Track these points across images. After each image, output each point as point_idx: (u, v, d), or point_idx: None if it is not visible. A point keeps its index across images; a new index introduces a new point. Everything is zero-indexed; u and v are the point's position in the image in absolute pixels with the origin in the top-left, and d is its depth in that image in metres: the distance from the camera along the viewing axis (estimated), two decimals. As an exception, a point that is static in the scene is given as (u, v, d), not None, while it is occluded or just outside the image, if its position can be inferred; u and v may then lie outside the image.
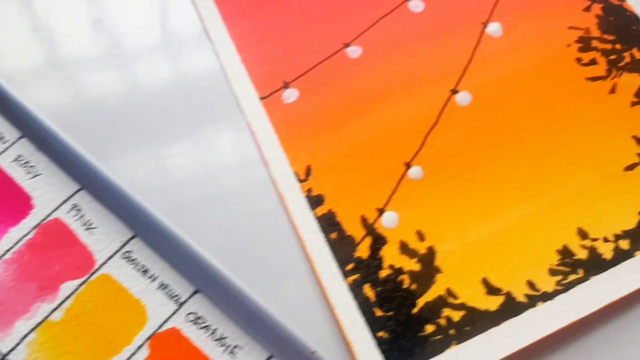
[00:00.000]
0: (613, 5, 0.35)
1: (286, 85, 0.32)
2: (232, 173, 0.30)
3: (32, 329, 0.26)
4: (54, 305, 0.27)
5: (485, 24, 0.34)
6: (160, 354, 0.26)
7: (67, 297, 0.27)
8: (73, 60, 0.33)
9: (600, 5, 0.35)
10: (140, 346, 0.26)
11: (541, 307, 0.27)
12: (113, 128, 0.31)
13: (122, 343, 0.26)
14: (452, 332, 0.27)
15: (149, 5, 0.34)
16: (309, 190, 0.30)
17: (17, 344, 0.26)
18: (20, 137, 0.30)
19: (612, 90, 0.32)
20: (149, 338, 0.26)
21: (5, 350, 0.26)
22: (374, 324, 0.27)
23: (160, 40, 0.33)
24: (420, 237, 0.29)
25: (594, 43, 0.33)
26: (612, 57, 0.33)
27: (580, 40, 0.34)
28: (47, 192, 0.29)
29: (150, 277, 0.27)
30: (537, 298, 0.28)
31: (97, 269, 0.27)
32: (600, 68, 0.33)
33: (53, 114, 0.29)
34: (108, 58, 0.33)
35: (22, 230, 0.28)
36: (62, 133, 0.29)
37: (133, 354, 0.26)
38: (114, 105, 0.31)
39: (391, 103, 0.32)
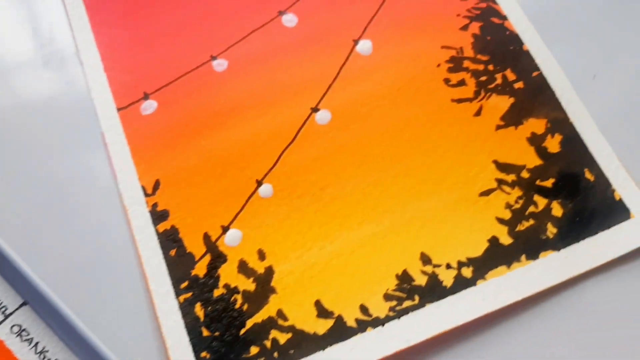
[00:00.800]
0: (493, 24, 0.34)
1: (146, 97, 0.32)
2: (79, 186, 0.30)
3: None
4: None
5: (356, 41, 0.33)
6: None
7: None
8: None
9: (479, 24, 0.34)
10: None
11: (370, 332, 0.27)
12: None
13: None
14: (275, 354, 0.27)
15: (21, 13, 0.34)
16: (154, 205, 0.29)
17: None
18: None
19: (478, 113, 0.32)
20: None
21: None
22: (198, 344, 0.27)
23: (30, 50, 0.33)
24: (261, 256, 0.29)
25: (466, 63, 0.33)
26: (483, 78, 0.33)
27: (451, 60, 0.33)
28: None
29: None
30: (367, 323, 0.27)
31: None
32: (469, 89, 0.32)
33: None
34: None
35: None
36: None
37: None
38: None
39: (251, 118, 0.31)
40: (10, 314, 0.27)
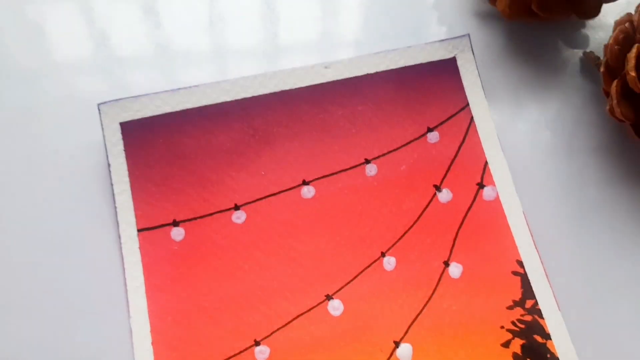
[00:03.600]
0: (535, 344, 0.34)
1: (188, 379, 0.33)
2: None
3: None
4: None
5: (397, 343, 0.34)
6: None
7: None
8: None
9: (522, 342, 0.34)
10: None
11: None
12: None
13: None
14: None
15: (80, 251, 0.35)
16: None
17: None
18: None
19: None
20: None
21: None
22: None
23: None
24: None
25: (501, 389, 0.33)
26: (516, 407, 0.33)
27: (488, 382, 0.33)
28: None
29: None
30: None
31: None
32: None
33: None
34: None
35: None
36: None
37: None
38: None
39: None
40: None
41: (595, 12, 0.41)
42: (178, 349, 0.33)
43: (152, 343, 0.33)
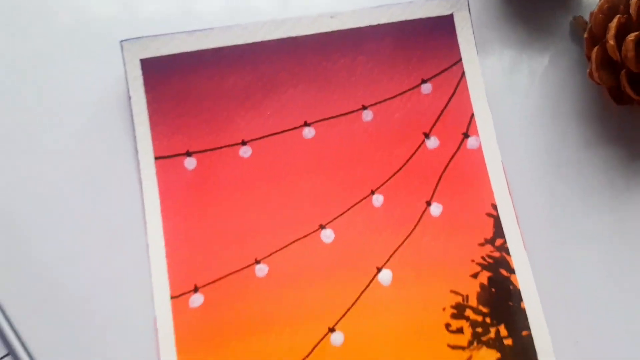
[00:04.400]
0: (501, 277, 0.39)
1: (196, 289, 0.38)
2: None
3: None
4: None
5: (379, 269, 0.39)
6: None
7: None
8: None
9: (489, 274, 0.39)
10: None
11: None
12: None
13: None
14: None
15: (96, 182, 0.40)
16: (185, 393, 0.36)
17: None
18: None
19: (468, 361, 0.37)
20: None
21: None
22: None
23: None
24: None
25: (468, 312, 0.38)
26: (479, 329, 0.38)
27: (456, 306, 0.38)
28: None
29: None
30: None
31: None
32: (464, 338, 0.38)
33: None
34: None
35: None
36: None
37: None
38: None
39: (278, 329, 0.38)
40: None
41: (587, -22, 0.44)
42: (188, 263, 0.38)
43: (166, 256, 0.38)
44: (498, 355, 0.38)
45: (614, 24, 0.38)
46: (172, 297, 0.38)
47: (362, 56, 0.42)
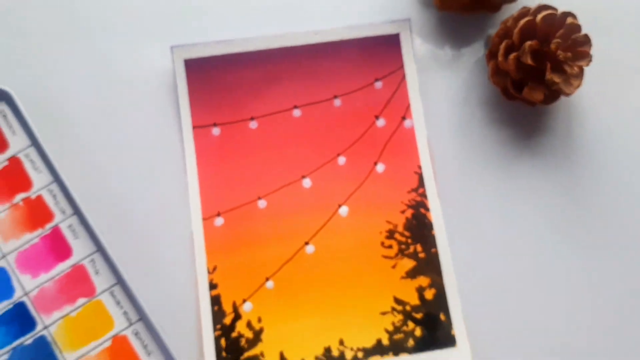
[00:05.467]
0: (420, 213, 0.59)
1: (218, 214, 0.58)
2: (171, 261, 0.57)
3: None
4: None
5: (340, 206, 0.59)
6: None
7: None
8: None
9: (412, 211, 0.59)
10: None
11: (302, 374, 0.55)
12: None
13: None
14: (255, 373, 0.55)
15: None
16: (210, 280, 0.57)
17: None
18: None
19: (394, 267, 0.58)
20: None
21: None
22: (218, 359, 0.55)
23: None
24: (259, 320, 0.56)
25: (396, 235, 0.58)
26: (403, 246, 0.58)
27: (389, 231, 0.58)
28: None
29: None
30: (302, 369, 0.55)
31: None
32: (393, 251, 0.58)
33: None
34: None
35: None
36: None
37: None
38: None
39: (275, 243, 0.58)
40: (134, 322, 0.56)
41: (496, 9, 0.63)
42: (214, 196, 0.58)
43: (200, 192, 0.58)
44: (414, 263, 0.58)
45: (502, 46, 0.57)
46: (203, 219, 0.58)
47: (336, 61, 0.61)
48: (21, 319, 0.55)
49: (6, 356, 0.54)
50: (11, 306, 0.55)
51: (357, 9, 0.63)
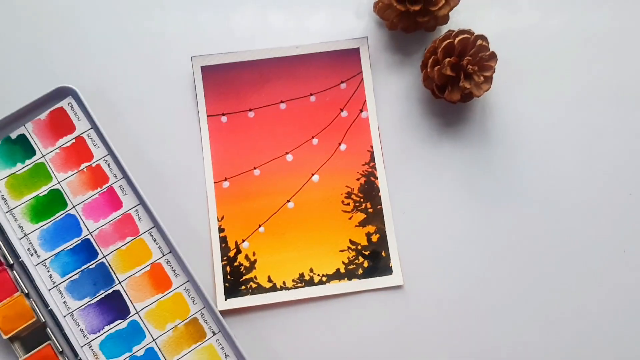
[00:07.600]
0: (370, 180, 0.82)
1: (225, 180, 0.82)
2: (190, 211, 0.81)
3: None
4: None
5: (313, 174, 0.82)
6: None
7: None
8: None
9: (365, 179, 0.82)
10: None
11: (294, 290, 0.79)
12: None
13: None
14: (251, 291, 0.79)
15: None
16: (219, 226, 0.81)
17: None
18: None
19: (350, 218, 0.81)
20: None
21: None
22: (225, 281, 0.80)
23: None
24: (254, 254, 0.80)
25: (353, 196, 0.82)
26: (357, 204, 0.82)
27: (347, 193, 0.82)
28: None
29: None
30: (285, 287, 0.80)
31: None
32: (349, 207, 0.81)
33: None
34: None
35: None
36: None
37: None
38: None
39: (269, 200, 0.81)
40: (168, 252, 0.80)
41: (432, 29, 0.85)
42: (222, 165, 0.81)
43: (212, 162, 0.82)
44: (365, 216, 0.81)
45: (430, 60, 0.79)
46: (214, 182, 0.81)
47: (311, 67, 0.84)
48: (87, 250, 0.79)
49: (77, 276, 0.78)
50: (80, 242, 0.79)
51: (327, 30, 0.85)
